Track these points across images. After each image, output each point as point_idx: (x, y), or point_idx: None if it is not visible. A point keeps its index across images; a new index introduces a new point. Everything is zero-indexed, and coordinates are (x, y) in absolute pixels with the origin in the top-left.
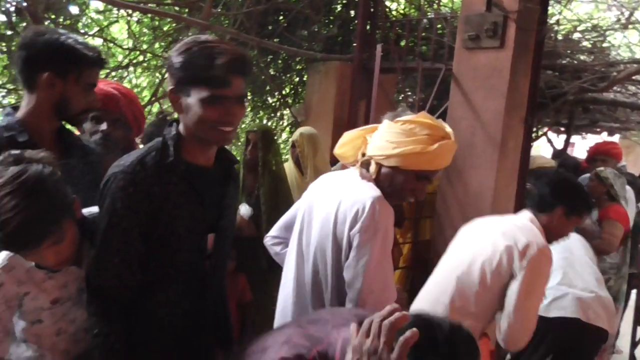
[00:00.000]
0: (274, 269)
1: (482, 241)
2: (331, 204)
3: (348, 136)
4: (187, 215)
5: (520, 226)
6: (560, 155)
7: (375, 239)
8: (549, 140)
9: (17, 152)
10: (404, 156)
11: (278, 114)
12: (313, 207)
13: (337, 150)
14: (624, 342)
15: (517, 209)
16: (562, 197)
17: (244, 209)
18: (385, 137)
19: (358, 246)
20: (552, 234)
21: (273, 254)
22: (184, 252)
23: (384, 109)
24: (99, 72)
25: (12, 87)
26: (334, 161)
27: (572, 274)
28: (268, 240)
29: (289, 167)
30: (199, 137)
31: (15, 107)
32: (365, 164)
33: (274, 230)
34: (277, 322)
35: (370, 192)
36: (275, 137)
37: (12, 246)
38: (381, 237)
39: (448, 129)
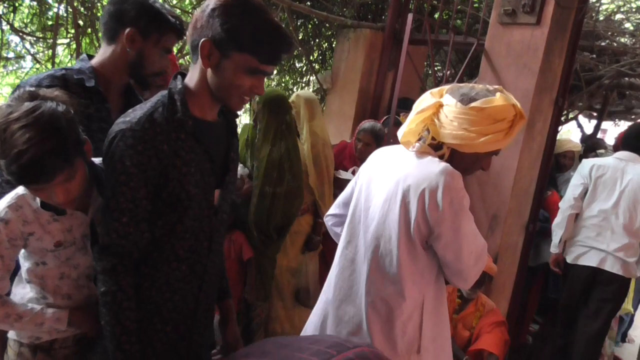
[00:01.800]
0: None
1: None
2: (395, 178)
3: (413, 122)
4: (197, 172)
5: None
6: (588, 140)
7: (461, 209)
8: (579, 125)
9: (32, 88)
10: (487, 143)
11: (304, 79)
12: (372, 182)
13: (402, 139)
14: (638, 333)
15: (538, 192)
16: None
17: (239, 168)
18: (463, 125)
19: (447, 221)
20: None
21: (333, 234)
22: (193, 209)
23: (411, 82)
24: (176, 40)
25: (40, 35)
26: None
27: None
28: (328, 219)
29: None
30: (219, 97)
31: (91, 56)
32: (434, 147)
33: (333, 208)
34: (320, 301)
35: (438, 165)
36: (288, 104)
37: (24, 179)
38: (465, 205)
39: (519, 104)
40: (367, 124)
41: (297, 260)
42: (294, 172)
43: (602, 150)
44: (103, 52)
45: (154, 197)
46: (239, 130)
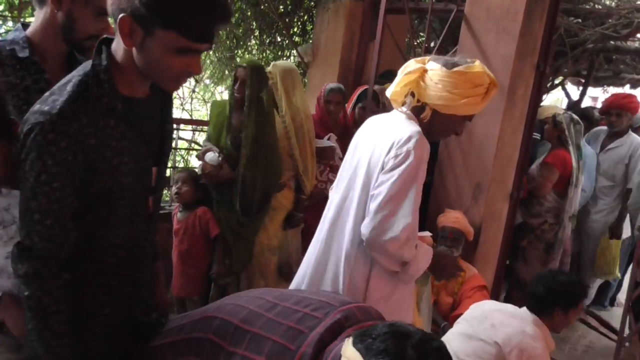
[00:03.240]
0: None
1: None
2: (372, 141)
3: (400, 83)
4: (131, 160)
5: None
6: (575, 106)
7: (407, 165)
8: (565, 91)
9: None
10: (465, 105)
11: (285, 53)
12: (356, 148)
13: (391, 97)
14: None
15: (521, 159)
16: (557, 300)
17: (210, 156)
18: (446, 87)
19: (388, 169)
20: (555, 329)
21: None
22: (127, 198)
23: (393, 53)
24: None
25: (8, 14)
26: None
27: None
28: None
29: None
30: (149, 78)
31: (26, 25)
32: (418, 109)
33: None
34: (308, 258)
35: (411, 127)
36: (266, 74)
37: None
38: (413, 165)
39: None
40: (331, 84)
41: (278, 238)
42: (268, 147)
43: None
44: (36, 19)
45: (81, 192)
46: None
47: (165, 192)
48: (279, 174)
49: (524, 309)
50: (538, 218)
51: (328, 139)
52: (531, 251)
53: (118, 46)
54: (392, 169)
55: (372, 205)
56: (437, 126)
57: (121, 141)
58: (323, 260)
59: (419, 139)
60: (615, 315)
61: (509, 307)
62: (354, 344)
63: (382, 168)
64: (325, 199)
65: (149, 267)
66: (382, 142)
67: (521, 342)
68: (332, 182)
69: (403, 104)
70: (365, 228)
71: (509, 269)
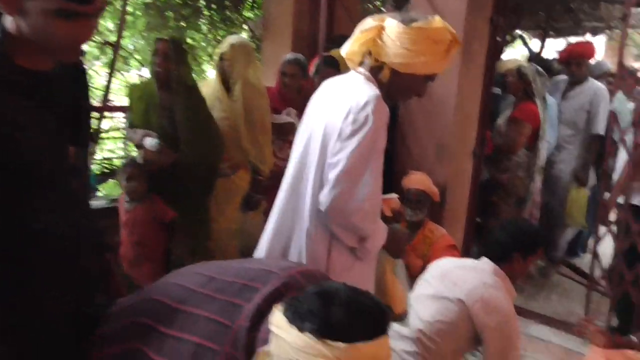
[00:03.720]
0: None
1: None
2: (328, 106)
3: (357, 40)
4: (37, 135)
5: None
6: (535, 58)
7: (366, 131)
8: (525, 44)
9: None
10: (425, 63)
11: (237, 29)
12: (312, 114)
13: (347, 56)
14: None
15: (482, 115)
16: (517, 245)
17: (149, 142)
18: (405, 44)
19: (346, 136)
20: (514, 276)
21: None
22: (43, 178)
23: (347, 20)
24: None
25: None
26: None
27: None
28: None
29: (212, 83)
30: (41, 47)
31: None
32: (376, 69)
33: None
34: (268, 232)
35: (368, 91)
36: (187, 49)
37: None
38: (372, 131)
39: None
40: (288, 55)
41: (237, 221)
42: (205, 122)
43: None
44: None
45: None
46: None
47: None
48: (221, 147)
49: (484, 259)
50: (507, 173)
51: (287, 114)
52: (502, 206)
53: (7, 17)
54: (351, 135)
55: (331, 175)
56: (397, 87)
57: (23, 115)
58: (282, 233)
59: (377, 103)
60: (587, 260)
61: (468, 262)
62: (284, 311)
63: (340, 135)
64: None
65: (95, 260)
66: (338, 107)
67: (484, 294)
68: None
69: (360, 64)
70: (325, 198)
71: (479, 227)
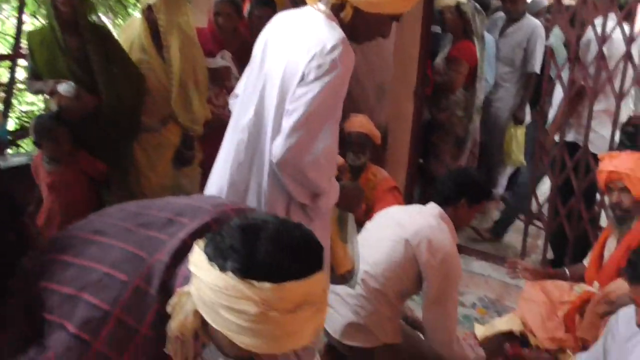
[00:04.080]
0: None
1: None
2: (287, 45)
3: None
4: None
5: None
6: None
7: (331, 78)
8: None
9: None
10: (392, 2)
11: None
12: (266, 54)
13: None
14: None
15: (422, 54)
16: (464, 192)
17: (64, 87)
18: None
19: (309, 81)
20: (459, 222)
21: None
22: None
23: None
24: None
25: None
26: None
27: None
28: (232, 102)
29: (136, 27)
30: None
31: None
32: (337, 7)
33: (238, 88)
34: (213, 178)
35: (334, 33)
36: None
37: None
38: (338, 79)
39: None
40: None
41: (170, 177)
42: (121, 64)
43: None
44: None
45: None
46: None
47: None
48: (143, 89)
49: (430, 203)
50: (446, 112)
51: (222, 58)
52: (442, 146)
53: None
54: (313, 80)
55: (287, 123)
56: (360, 27)
57: None
58: (238, 189)
59: (345, 48)
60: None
61: (414, 207)
62: (204, 247)
63: (302, 80)
64: (224, 125)
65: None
66: (300, 49)
67: (429, 235)
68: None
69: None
70: (278, 148)
71: (422, 168)
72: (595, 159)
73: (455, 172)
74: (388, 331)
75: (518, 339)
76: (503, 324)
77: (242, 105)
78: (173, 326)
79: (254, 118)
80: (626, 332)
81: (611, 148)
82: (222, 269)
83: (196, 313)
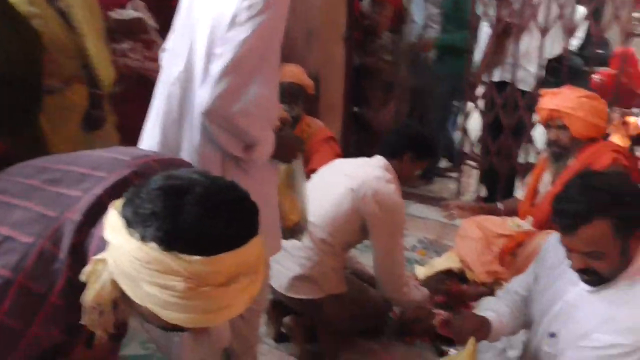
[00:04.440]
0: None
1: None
2: None
3: None
4: None
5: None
6: None
7: (264, 19)
8: None
9: None
10: None
11: None
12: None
13: None
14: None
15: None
16: (411, 145)
17: None
18: None
19: (240, 22)
20: (403, 176)
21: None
22: None
23: None
24: None
25: None
26: None
27: None
28: (161, 56)
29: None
30: None
31: None
32: None
33: (168, 41)
34: (144, 139)
35: None
36: None
37: None
38: (272, 20)
39: None
40: None
41: (81, 143)
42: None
43: None
44: None
45: None
46: None
47: None
48: (40, 47)
49: (377, 156)
50: (374, 57)
51: (134, 9)
52: (371, 92)
53: None
54: (244, 22)
55: (215, 68)
56: None
57: None
58: (169, 150)
59: None
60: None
61: (360, 159)
62: (121, 210)
63: (231, 22)
64: (143, 79)
65: None
66: None
67: (375, 185)
68: (150, 59)
69: None
70: (205, 96)
71: (357, 116)
72: (523, 95)
73: (403, 127)
74: (333, 282)
75: (457, 276)
76: (442, 263)
77: (171, 57)
78: (88, 296)
79: (184, 69)
80: (554, 260)
81: (537, 84)
82: (143, 238)
83: (114, 283)
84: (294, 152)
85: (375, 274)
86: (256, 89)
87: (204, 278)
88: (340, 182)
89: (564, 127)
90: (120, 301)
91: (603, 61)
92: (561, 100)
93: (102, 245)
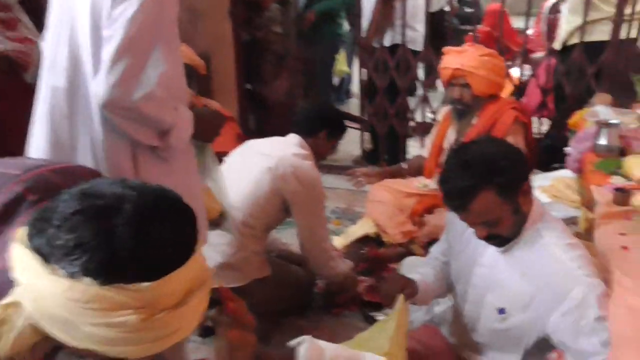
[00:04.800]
0: None
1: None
2: None
3: None
4: None
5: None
6: None
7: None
8: None
9: None
10: None
11: None
12: None
13: None
14: (357, 87)
15: None
16: (325, 124)
17: None
18: None
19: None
20: (318, 153)
21: None
22: None
23: None
24: None
25: None
26: None
27: None
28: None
29: None
30: None
31: None
32: None
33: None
34: (32, 139)
35: None
36: None
37: None
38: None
39: None
40: None
41: None
42: None
43: None
44: None
45: None
46: None
47: None
48: None
49: (291, 134)
50: (263, 30)
51: None
52: (264, 66)
53: None
54: None
55: (107, 52)
56: None
57: None
58: (62, 149)
59: None
60: (352, 105)
61: (273, 138)
62: (30, 242)
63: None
64: (11, 65)
65: None
66: None
67: (293, 162)
68: (10, 39)
69: None
70: (100, 86)
71: (252, 94)
72: (415, 55)
73: (316, 105)
74: (256, 266)
75: (374, 241)
76: (358, 230)
77: (53, 43)
78: (3, 348)
79: (68, 57)
80: (461, 225)
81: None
82: (73, 275)
83: (34, 327)
84: (216, 128)
85: (302, 251)
86: (156, 68)
87: (158, 304)
88: (257, 162)
89: (467, 86)
90: (42, 343)
91: (477, 20)
92: (465, 59)
93: (6, 283)
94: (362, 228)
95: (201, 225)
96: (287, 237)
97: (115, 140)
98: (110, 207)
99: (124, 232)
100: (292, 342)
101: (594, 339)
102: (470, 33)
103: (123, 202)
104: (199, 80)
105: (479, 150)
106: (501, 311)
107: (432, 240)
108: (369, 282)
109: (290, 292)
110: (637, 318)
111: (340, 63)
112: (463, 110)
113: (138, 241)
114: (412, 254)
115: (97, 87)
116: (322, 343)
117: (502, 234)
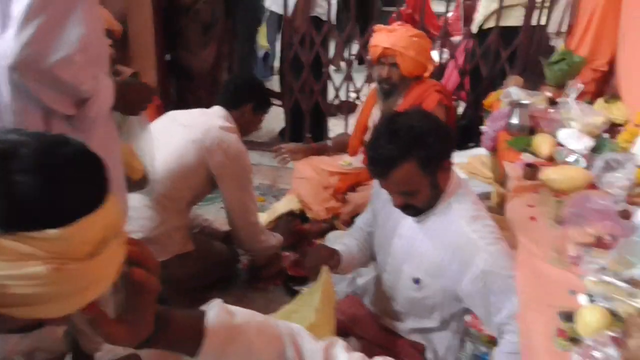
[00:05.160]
0: None
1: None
2: None
3: None
4: None
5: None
6: None
7: None
8: None
9: None
10: None
11: None
12: None
13: None
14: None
15: None
16: (250, 97)
17: None
18: None
19: None
20: (244, 127)
21: None
22: None
23: None
24: None
25: None
26: None
27: None
28: None
29: None
30: None
31: None
32: None
33: None
34: None
35: None
36: None
37: None
38: None
39: None
40: None
41: None
42: None
43: None
44: None
45: None
46: None
47: None
48: None
49: (216, 107)
50: None
51: None
52: (189, 35)
53: None
54: None
55: (19, 8)
56: None
57: None
58: None
59: None
60: (275, 81)
61: (195, 110)
62: None
63: None
64: None
65: None
66: None
67: (219, 134)
68: None
69: None
70: (10, 46)
71: (174, 64)
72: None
73: (243, 78)
74: (178, 241)
75: (298, 217)
76: (282, 206)
77: None
78: None
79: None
80: (385, 196)
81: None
82: None
83: None
84: (144, 102)
85: (231, 226)
86: (75, 29)
87: (68, 253)
88: (179, 133)
89: (395, 65)
90: None
91: (400, 2)
92: (395, 38)
93: None
94: (286, 204)
95: (119, 195)
96: (210, 214)
97: (25, 107)
98: (7, 151)
99: (23, 178)
100: (202, 307)
101: (504, 310)
102: (394, 15)
103: (18, 148)
104: (115, 46)
105: (408, 122)
106: (417, 281)
107: (355, 217)
108: (293, 256)
109: (213, 268)
110: (541, 280)
111: (261, 38)
112: (389, 90)
113: (39, 186)
114: (335, 230)
115: (7, 47)
116: (233, 308)
117: (417, 205)
